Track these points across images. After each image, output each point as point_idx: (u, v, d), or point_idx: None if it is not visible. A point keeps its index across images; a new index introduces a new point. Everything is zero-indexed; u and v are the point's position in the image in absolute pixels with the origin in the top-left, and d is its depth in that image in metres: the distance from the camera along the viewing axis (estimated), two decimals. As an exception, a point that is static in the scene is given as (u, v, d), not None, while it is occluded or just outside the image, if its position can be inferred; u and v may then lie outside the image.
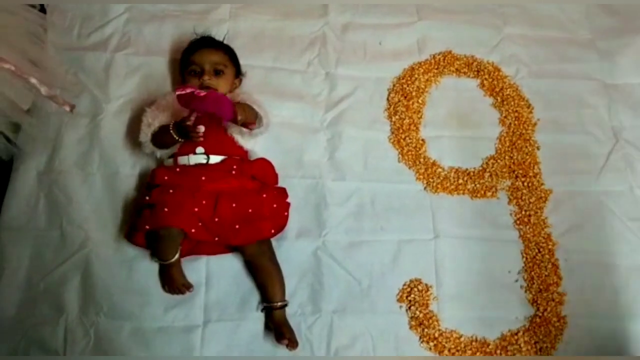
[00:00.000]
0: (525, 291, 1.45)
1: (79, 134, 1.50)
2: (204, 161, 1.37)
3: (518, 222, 1.52)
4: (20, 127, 1.42)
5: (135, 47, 1.62)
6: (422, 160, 1.56)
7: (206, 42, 1.52)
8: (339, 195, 1.50)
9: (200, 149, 1.38)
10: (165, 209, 1.29)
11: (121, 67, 1.58)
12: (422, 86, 1.65)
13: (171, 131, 1.35)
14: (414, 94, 1.63)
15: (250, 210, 1.36)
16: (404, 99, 1.62)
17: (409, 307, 1.41)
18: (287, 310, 1.37)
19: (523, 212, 1.52)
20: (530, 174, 1.56)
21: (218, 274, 1.40)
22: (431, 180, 1.54)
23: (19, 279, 1.36)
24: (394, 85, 1.65)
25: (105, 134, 1.51)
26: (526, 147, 1.59)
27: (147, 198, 1.35)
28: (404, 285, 1.43)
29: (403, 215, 1.50)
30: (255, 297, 1.39)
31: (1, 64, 1.30)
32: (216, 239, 1.35)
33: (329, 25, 1.71)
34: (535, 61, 1.72)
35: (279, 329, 1.32)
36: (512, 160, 1.58)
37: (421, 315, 1.40)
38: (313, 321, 1.38)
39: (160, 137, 1.39)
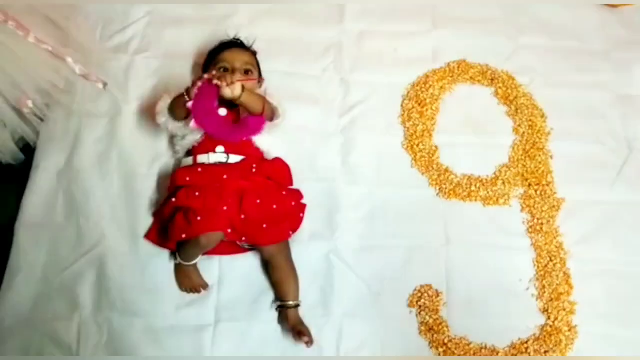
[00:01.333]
0: (537, 300, 1.44)
1: (98, 133, 1.54)
2: (224, 160, 1.39)
3: (530, 230, 1.51)
4: (31, 132, 1.48)
5: (155, 50, 1.65)
6: (435, 166, 1.57)
7: (237, 44, 1.54)
8: (352, 200, 1.51)
9: (220, 148, 1.39)
10: (199, 218, 1.28)
11: (141, 70, 1.61)
12: (436, 93, 1.66)
13: (184, 94, 1.32)
14: (427, 100, 1.64)
15: (274, 207, 1.37)
16: (417, 106, 1.64)
17: (419, 313, 1.41)
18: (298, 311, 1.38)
19: (535, 221, 1.52)
20: (543, 183, 1.56)
21: (230, 274, 1.42)
22: (444, 186, 1.55)
23: (36, 275, 1.38)
24: (408, 92, 1.66)
25: (124, 135, 1.54)
26: (539, 155, 1.60)
27: (174, 200, 1.34)
28: (415, 290, 1.44)
29: (415, 220, 1.50)
30: (266, 297, 1.40)
31: (39, 44, 1.35)
32: (243, 239, 1.36)
33: (345, 32, 1.73)
34: (549, 71, 1.72)
35: (296, 327, 1.33)
36: (525, 169, 1.58)
37: (431, 320, 1.40)
38: (323, 324, 1.38)
39: (175, 105, 1.37)
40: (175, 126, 1.40)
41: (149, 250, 1.42)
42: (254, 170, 1.39)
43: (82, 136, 1.53)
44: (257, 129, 1.40)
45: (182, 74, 1.63)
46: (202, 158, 1.39)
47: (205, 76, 1.30)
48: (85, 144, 1.52)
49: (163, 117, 1.39)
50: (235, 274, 1.42)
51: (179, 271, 1.40)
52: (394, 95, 1.66)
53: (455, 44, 1.74)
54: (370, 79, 1.67)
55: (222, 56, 1.49)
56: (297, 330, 1.32)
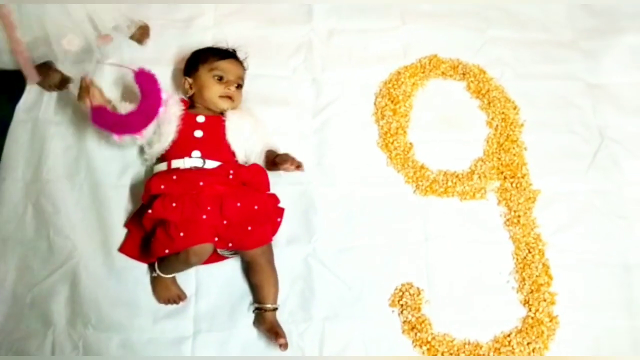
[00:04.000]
0: (517, 292, 1.45)
1: (66, 143, 1.50)
2: (200, 165, 1.35)
3: (508, 223, 1.52)
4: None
5: (120, 56, 1.61)
6: (410, 163, 1.56)
7: (235, 55, 1.52)
8: (328, 201, 1.49)
9: (196, 153, 1.36)
10: (181, 233, 1.25)
11: (107, 76, 1.57)
12: (409, 90, 1.65)
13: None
14: (400, 97, 1.63)
15: (256, 207, 1.34)
16: (390, 103, 1.63)
17: (401, 312, 1.40)
18: (278, 316, 1.36)
19: (512, 213, 1.52)
20: (519, 175, 1.56)
21: (208, 284, 1.40)
22: (420, 183, 1.54)
23: (5, 292, 1.35)
24: (380, 90, 1.65)
25: (92, 144, 1.50)
26: (513, 148, 1.60)
27: (150, 211, 1.29)
28: (396, 289, 1.43)
29: (393, 219, 1.49)
30: (245, 306, 1.38)
31: None
32: (230, 245, 1.34)
33: (314, 31, 1.71)
34: (519, 63, 1.72)
35: (273, 329, 1.31)
36: (500, 162, 1.58)
37: (413, 319, 1.40)
38: (305, 328, 1.37)
39: None
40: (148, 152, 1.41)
41: (123, 263, 1.39)
42: (231, 176, 1.37)
43: (49, 146, 1.49)
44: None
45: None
46: (177, 163, 1.36)
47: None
48: (52, 154, 1.48)
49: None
50: (212, 284, 1.39)
51: (157, 283, 1.37)
52: (366, 93, 1.65)
53: (426, 39, 1.73)
54: (341, 78, 1.65)
55: (220, 64, 1.46)
56: (274, 332, 1.30)
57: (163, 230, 1.27)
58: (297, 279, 1.41)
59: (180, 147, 1.37)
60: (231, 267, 1.41)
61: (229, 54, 1.51)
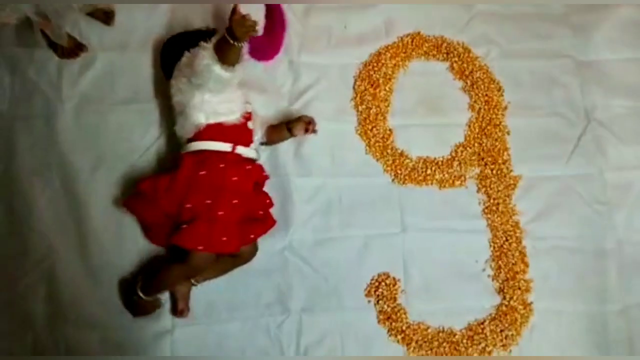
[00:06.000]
0: (492, 280, 1.47)
1: (33, 138, 1.46)
2: (254, 157, 1.37)
3: (487, 210, 1.51)
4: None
5: (87, 42, 1.53)
6: (389, 151, 1.53)
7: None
8: (305, 192, 1.48)
9: (254, 144, 1.39)
10: (224, 238, 1.27)
11: (74, 65, 1.51)
12: (390, 72, 1.59)
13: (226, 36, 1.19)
14: (380, 81, 1.58)
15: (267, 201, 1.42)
16: (370, 87, 1.57)
17: (377, 302, 1.43)
18: (253, 311, 1.39)
19: (492, 201, 1.51)
20: (500, 161, 1.54)
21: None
22: (399, 172, 1.52)
23: (-20, 293, 1.35)
24: (360, 72, 1.59)
25: (62, 138, 1.46)
26: (496, 132, 1.56)
27: (189, 205, 1.27)
28: (372, 280, 1.44)
29: (370, 209, 1.48)
30: (221, 298, 1.40)
31: None
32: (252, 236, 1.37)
33: (290, 8, 1.62)
34: (506, 40, 1.65)
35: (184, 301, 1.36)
36: (482, 147, 1.55)
37: (389, 309, 1.42)
38: (282, 321, 1.40)
39: (228, 51, 1.22)
40: (224, 75, 1.24)
41: (99, 260, 1.39)
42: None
43: (16, 141, 1.45)
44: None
45: (118, 66, 1.53)
46: (243, 151, 1.35)
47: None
48: (20, 150, 1.45)
49: (215, 68, 1.23)
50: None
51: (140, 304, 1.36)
52: (345, 76, 1.59)
53: (408, 16, 1.65)
54: (320, 61, 1.59)
55: None
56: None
57: (206, 226, 1.26)
58: (274, 272, 1.42)
59: (242, 132, 1.36)
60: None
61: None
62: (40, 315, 1.34)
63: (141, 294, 1.31)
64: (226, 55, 1.22)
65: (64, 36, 1.43)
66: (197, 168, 1.29)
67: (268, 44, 1.55)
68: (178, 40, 1.44)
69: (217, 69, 1.22)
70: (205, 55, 1.22)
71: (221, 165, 1.30)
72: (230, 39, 1.19)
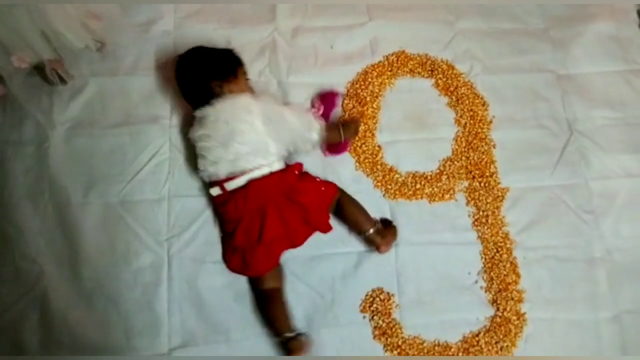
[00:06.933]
0: (485, 292, 1.48)
1: (26, 163, 1.46)
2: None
3: (476, 223, 1.53)
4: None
5: (77, 68, 1.55)
6: (379, 167, 1.56)
7: None
8: (298, 209, 1.49)
9: None
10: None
11: (64, 90, 1.52)
12: (376, 90, 1.62)
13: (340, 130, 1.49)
14: (368, 99, 1.61)
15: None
16: (358, 105, 1.60)
17: (372, 317, 1.43)
18: (251, 330, 1.39)
19: (481, 213, 1.54)
20: (487, 174, 1.57)
21: (180, 299, 1.40)
22: (389, 187, 1.54)
23: (-27, 320, 1.34)
24: (347, 91, 1.62)
25: (54, 162, 1.46)
26: (482, 146, 1.60)
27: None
28: (366, 295, 1.45)
29: (362, 224, 1.50)
30: (221, 320, 1.39)
31: None
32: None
33: (278, 30, 1.66)
34: (489, 56, 1.70)
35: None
36: (469, 161, 1.58)
37: (384, 324, 1.42)
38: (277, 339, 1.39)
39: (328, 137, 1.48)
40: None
41: (92, 282, 1.38)
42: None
43: (8, 167, 1.45)
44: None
45: (109, 90, 1.55)
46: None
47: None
48: (13, 175, 1.45)
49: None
50: (185, 299, 1.40)
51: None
52: (334, 95, 1.62)
53: (393, 35, 1.69)
54: (308, 80, 1.61)
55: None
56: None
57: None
58: (269, 290, 1.42)
59: None
60: (205, 282, 1.42)
61: None
62: (33, 341, 1.33)
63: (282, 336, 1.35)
64: (328, 140, 1.47)
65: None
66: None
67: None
68: (204, 60, 1.42)
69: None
70: (318, 134, 1.43)
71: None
72: (341, 134, 1.48)
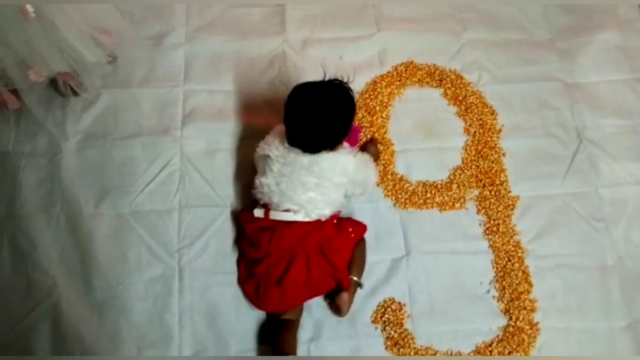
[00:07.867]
0: (498, 301, 1.47)
1: (39, 175, 1.47)
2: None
3: (487, 231, 1.53)
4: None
5: (89, 80, 1.57)
6: (390, 176, 1.56)
7: None
8: (309, 219, 1.49)
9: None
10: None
11: (76, 102, 1.53)
12: (386, 100, 1.63)
13: None
14: (377, 108, 1.62)
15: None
16: (368, 115, 1.61)
17: (384, 328, 1.42)
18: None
19: (492, 222, 1.53)
20: (497, 182, 1.57)
21: (191, 310, 1.39)
22: (400, 196, 1.54)
23: (-15, 331, 1.34)
24: (357, 101, 1.62)
25: (66, 174, 1.47)
26: (492, 154, 1.60)
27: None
28: (378, 305, 1.44)
29: (373, 234, 1.49)
30: (232, 333, 1.38)
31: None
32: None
33: (287, 42, 1.68)
34: (496, 66, 1.71)
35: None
36: (479, 170, 1.58)
37: (396, 335, 1.41)
38: (290, 350, 1.38)
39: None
40: None
41: (103, 293, 1.38)
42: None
43: (21, 179, 1.46)
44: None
45: (120, 102, 1.56)
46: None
47: None
48: (26, 187, 1.45)
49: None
50: (196, 310, 1.40)
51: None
52: (343, 105, 1.62)
53: (401, 46, 1.71)
54: (318, 91, 1.62)
55: None
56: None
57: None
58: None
59: None
60: (216, 293, 1.41)
61: None
62: (45, 353, 1.32)
63: None
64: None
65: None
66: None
67: None
68: (341, 113, 1.34)
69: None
70: (374, 177, 1.46)
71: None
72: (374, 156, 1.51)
